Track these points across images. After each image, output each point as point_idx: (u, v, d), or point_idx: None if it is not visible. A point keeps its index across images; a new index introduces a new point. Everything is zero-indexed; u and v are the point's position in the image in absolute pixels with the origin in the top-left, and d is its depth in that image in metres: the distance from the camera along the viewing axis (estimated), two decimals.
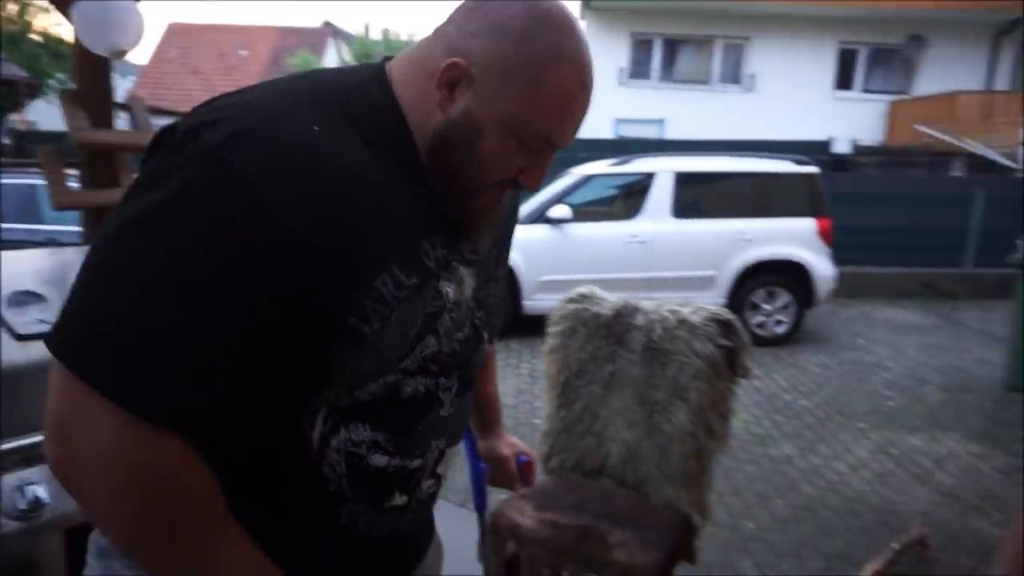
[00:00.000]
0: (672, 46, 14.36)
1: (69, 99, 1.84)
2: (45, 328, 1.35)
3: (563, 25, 0.73)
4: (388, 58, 0.81)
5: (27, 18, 17.63)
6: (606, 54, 13.83)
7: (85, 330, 0.62)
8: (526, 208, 5.71)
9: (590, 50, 0.76)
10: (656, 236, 6.00)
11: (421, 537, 0.94)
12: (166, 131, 0.67)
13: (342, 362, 0.70)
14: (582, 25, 0.74)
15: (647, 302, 2.10)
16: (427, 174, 0.75)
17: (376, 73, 0.77)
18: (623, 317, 2.08)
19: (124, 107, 2.01)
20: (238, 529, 0.70)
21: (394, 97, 0.75)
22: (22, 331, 1.31)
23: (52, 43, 17.73)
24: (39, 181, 5.71)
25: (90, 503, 0.65)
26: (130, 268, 0.62)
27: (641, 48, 14.26)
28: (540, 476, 2.17)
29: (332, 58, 19.73)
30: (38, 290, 1.40)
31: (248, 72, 19.84)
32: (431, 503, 0.89)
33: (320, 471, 0.74)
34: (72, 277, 0.68)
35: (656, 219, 6.08)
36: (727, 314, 2.01)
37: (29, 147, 8.84)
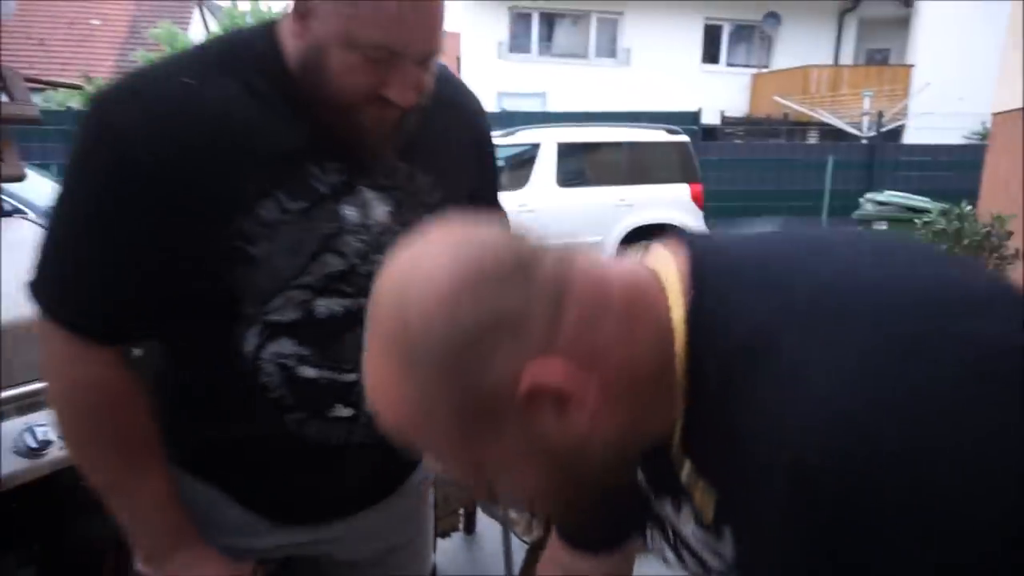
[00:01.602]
0: (550, 20, 14.64)
1: None
2: None
3: None
4: None
5: None
6: (486, 27, 13.92)
7: (35, 271, 0.81)
8: None
9: None
10: (544, 205, 6.23)
11: (387, 454, 0.90)
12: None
13: (239, 279, 0.80)
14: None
15: None
16: (306, 102, 0.81)
17: (268, 24, 0.86)
18: None
19: None
20: (163, 467, 0.85)
21: (277, 41, 0.82)
22: None
23: None
24: None
25: (52, 412, 0.83)
26: (52, 220, 0.81)
27: (520, 22, 14.43)
28: None
29: (198, 29, 18.61)
30: None
31: (102, 43, 18.38)
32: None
33: (259, 379, 0.84)
34: None
35: (543, 188, 6.30)
36: None
37: None
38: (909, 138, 12.23)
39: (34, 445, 1.37)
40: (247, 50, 0.84)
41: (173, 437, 0.89)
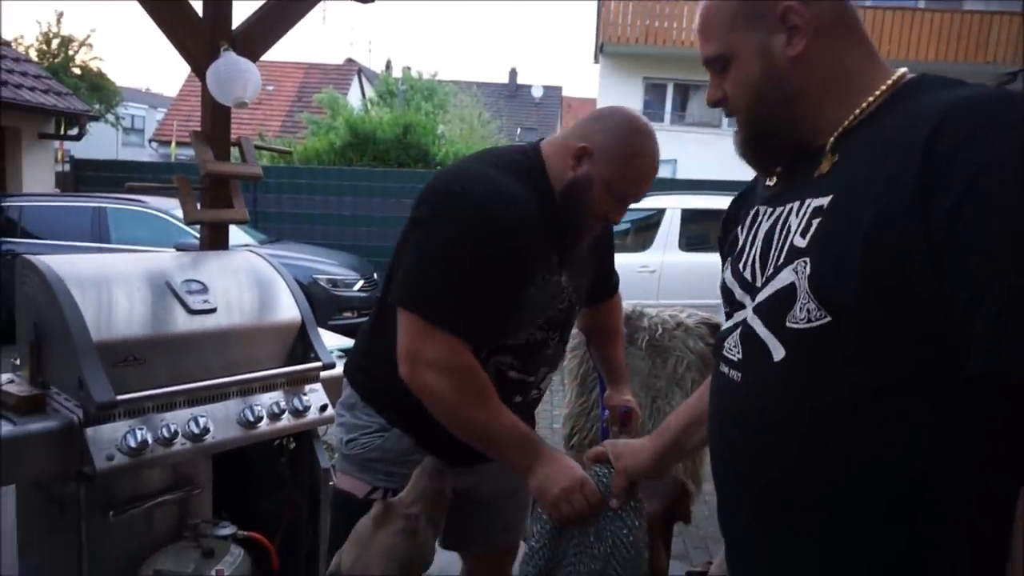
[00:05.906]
0: (683, 90, 15.00)
1: (200, 138, 2.34)
2: (209, 307, 1.83)
3: (644, 133, 1.32)
4: (542, 138, 1.41)
5: (70, 53, 18.61)
6: (620, 97, 14.46)
7: (422, 294, 1.22)
8: None
9: (659, 147, 1.33)
10: (665, 266, 6.47)
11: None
12: (435, 190, 1.28)
13: (513, 317, 1.29)
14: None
15: (650, 308, 2.56)
16: (559, 209, 1.29)
17: (533, 150, 1.36)
18: (631, 320, 2.53)
19: (235, 144, 2.51)
20: (507, 409, 1.27)
21: (543, 163, 1.32)
22: (193, 308, 1.79)
23: (89, 76, 18.69)
24: (107, 205, 6.26)
25: (432, 394, 1.22)
26: (440, 262, 1.22)
27: (654, 92, 14.90)
28: (565, 451, 2.61)
29: (355, 94, 20.51)
30: (200, 279, 1.88)
31: (273, 107, 20.65)
32: (534, 406, 1.50)
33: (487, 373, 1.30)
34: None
35: (665, 251, 6.55)
36: (716, 318, 2.46)
37: (84, 174, 9.44)
38: None
39: (252, 419, 1.82)
40: (527, 168, 1.32)
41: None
